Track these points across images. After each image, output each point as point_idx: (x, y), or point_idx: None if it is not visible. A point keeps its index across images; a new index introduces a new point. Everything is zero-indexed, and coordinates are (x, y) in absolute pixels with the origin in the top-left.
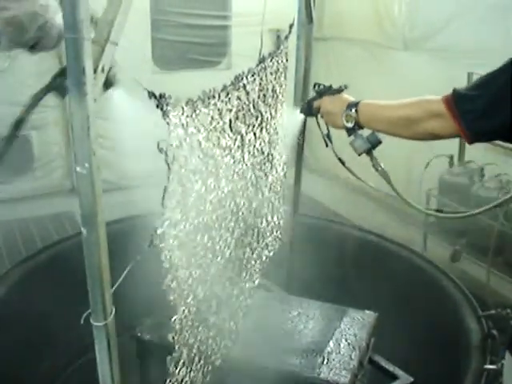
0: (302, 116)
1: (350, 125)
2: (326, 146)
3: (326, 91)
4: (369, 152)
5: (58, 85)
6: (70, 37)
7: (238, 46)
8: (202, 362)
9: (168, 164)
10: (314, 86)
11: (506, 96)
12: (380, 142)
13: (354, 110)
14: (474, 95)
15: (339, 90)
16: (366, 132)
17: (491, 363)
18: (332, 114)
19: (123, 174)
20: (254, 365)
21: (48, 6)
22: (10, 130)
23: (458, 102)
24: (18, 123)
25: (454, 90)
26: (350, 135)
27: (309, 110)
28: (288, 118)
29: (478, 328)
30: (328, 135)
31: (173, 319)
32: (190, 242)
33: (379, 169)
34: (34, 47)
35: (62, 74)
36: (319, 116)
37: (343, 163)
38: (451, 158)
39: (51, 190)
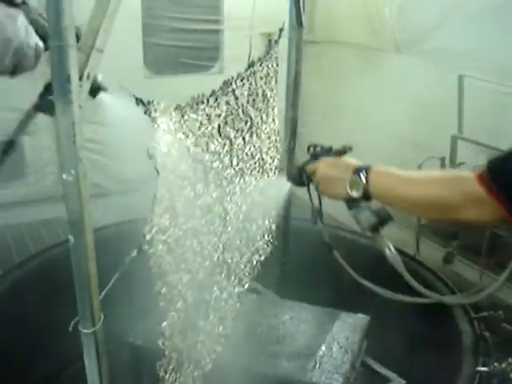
0: (288, 185)
1: (355, 194)
2: (315, 223)
3: (324, 154)
4: (375, 229)
5: (45, 103)
6: (55, 44)
7: (230, 50)
8: (191, 366)
9: (157, 170)
10: (309, 149)
11: None
12: (391, 219)
13: (363, 177)
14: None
15: (341, 152)
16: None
17: (483, 365)
18: (332, 180)
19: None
20: (245, 369)
21: (19, 29)
22: None
23: (498, 179)
24: (8, 146)
25: (490, 163)
26: (351, 208)
27: (299, 177)
28: (271, 186)
29: (471, 330)
30: (320, 211)
31: (163, 325)
32: (179, 247)
33: (388, 252)
34: (14, 72)
35: (46, 91)
36: (312, 185)
37: (331, 248)
38: (443, 159)
39: (43, 196)
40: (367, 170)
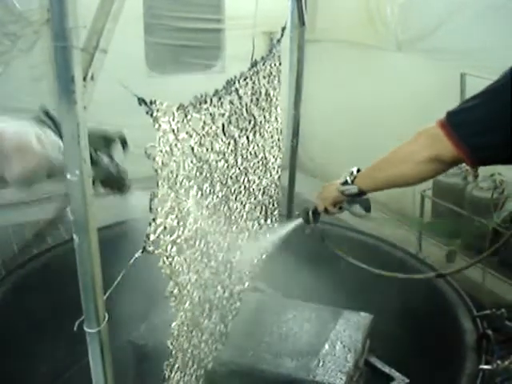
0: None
1: (343, 180)
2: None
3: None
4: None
5: None
6: (59, 45)
7: (232, 48)
8: (195, 366)
9: (156, 170)
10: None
11: (504, 110)
12: (369, 208)
13: (355, 170)
14: (467, 107)
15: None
16: None
17: (486, 363)
18: (328, 187)
19: None
20: (249, 368)
21: (58, 155)
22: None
23: (450, 117)
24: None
25: (448, 111)
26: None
27: (307, 215)
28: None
29: (473, 328)
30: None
31: (172, 325)
32: (187, 247)
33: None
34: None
35: None
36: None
37: (324, 239)
38: None
39: (46, 196)
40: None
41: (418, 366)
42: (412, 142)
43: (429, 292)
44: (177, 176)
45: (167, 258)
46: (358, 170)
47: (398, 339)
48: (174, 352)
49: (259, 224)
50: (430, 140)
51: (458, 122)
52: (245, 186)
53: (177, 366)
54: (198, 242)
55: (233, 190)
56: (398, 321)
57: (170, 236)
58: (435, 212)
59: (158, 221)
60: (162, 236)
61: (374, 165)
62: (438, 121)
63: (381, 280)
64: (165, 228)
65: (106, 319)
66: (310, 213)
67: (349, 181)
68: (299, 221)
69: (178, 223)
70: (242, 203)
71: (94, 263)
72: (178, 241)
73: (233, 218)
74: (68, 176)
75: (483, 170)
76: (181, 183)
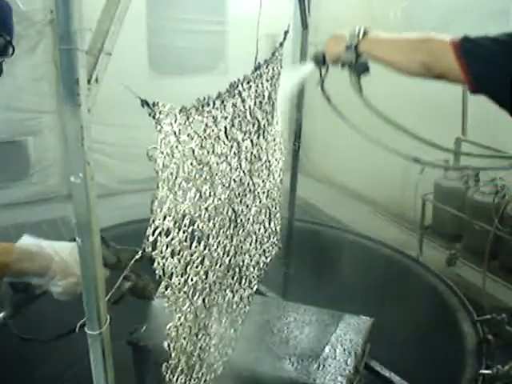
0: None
1: (348, 43)
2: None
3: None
4: (350, 66)
5: None
6: (64, 48)
7: (235, 51)
8: (203, 370)
9: (157, 171)
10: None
11: None
12: (367, 69)
13: (362, 32)
14: (485, 45)
15: None
16: None
17: (486, 368)
18: (336, 39)
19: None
20: (249, 370)
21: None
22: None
23: (465, 43)
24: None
25: (466, 36)
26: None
27: (317, 57)
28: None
29: (474, 332)
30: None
31: (168, 326)
32: (184, 249)
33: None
34: None
35: None
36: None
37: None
38: (447, 162)
39: (47, 196)
40: (364, 32)
41: (419, 370)
42: (420, 42)
43: (429, 296)
44: (176, 178)
45: (161, 259)
46: (365, 32)
47: (398, 343)
48: (174, 354)
49: (264, 227)
50: (436, 50)
51: (471, 52)
52: (250, 189)
53: (180, 368)
54: (195, 244)
55: (237, 193)
56: (398, 325)
57: (166, 237)
58: (436, 216)
59: (157, 222)
60: (159, 237)
61: (379, 40)
62: (451, 39)
63: (382, 284)
64: (162, 230)
65: (108, 321)
66: (321, 56)
67: (352, 45)
68: (311, 65)
69: (174, 225)
70: (247, 206)
71: (97, 265)
72: (173, 242)
73: (238, 221)
74: (72, 179)
75: (484, 175)
76: (179, 185)
